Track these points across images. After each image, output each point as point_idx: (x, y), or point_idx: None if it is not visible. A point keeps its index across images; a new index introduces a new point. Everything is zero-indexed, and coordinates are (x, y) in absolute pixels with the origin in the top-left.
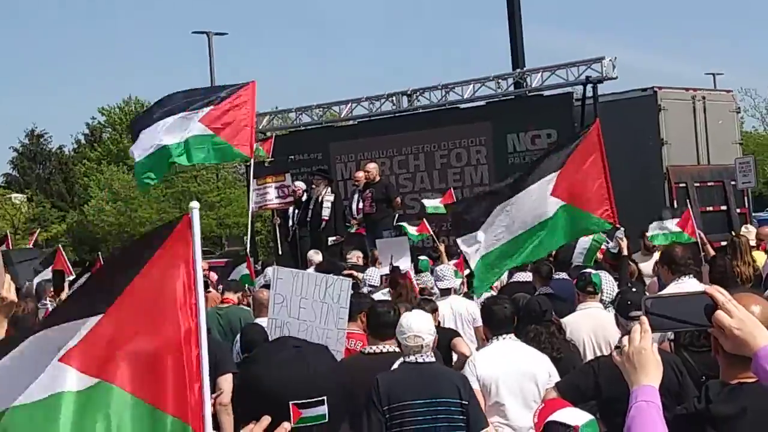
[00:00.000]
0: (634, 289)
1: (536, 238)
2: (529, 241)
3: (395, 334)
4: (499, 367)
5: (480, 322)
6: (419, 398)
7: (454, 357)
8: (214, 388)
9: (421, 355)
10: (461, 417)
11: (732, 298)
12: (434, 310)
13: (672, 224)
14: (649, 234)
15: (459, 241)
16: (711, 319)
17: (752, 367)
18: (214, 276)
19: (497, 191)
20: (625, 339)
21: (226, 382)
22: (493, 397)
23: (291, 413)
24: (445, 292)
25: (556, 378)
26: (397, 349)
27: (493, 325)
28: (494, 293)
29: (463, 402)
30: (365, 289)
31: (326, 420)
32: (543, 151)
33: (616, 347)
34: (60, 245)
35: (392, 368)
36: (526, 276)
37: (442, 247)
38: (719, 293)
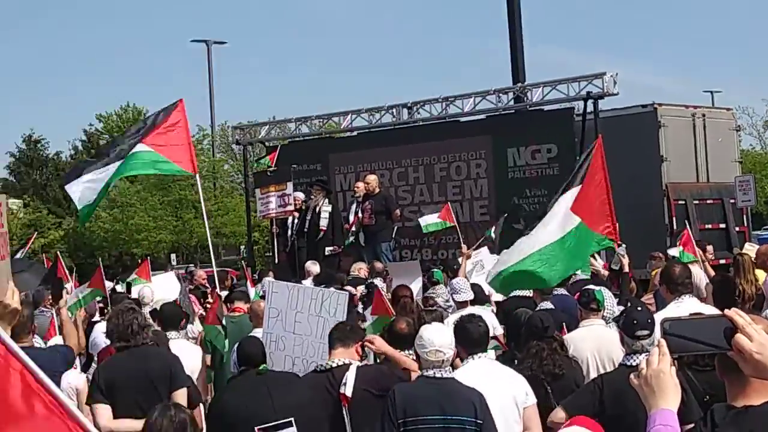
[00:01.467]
0: (639, 308)
1: (557, 260)
2: (555, 258)
3: (341, 346)
4: (482, 386)
5: (499, 331)
6: (435, 414)
7: None
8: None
9: (440, 370)
10: None
11: (752, 322)
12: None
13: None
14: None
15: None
16: (731, 343)
17: None
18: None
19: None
20: (644, 362)
21: (181, 397)
22: None
23: None
24: (462, 305)
25: (533, 397)
26: (347, 360)
27: (468, 345)
28: (494, 308)
29: (478, 421)
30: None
31: None
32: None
33: (621, 364)
34: (58, 252)
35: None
36: (526, 290)
37: (464, 249)
38: (739, 316)
